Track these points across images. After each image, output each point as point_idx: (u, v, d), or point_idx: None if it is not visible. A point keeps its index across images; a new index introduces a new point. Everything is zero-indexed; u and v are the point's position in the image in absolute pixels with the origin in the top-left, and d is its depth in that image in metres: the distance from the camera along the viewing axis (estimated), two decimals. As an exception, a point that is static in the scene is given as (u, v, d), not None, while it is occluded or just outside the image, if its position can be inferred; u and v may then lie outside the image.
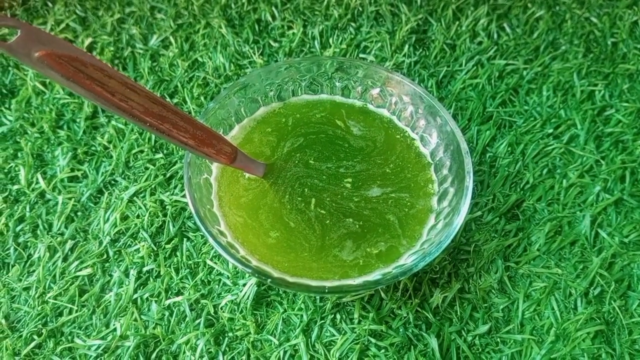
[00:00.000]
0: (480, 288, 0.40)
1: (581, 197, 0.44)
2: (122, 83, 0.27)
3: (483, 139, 0.47)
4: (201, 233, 0.42)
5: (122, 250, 0.41)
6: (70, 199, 0.44)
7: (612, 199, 0.44)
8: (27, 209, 0.44)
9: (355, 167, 0.41)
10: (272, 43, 0.54)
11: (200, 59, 0.53)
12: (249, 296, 0.39)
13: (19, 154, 0.47)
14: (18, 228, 0.43)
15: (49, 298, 0.40)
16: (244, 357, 0.37)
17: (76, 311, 0.39)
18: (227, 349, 0.38)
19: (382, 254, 0.37)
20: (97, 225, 0.43)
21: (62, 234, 0.42)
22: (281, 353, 0.37)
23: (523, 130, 0.48)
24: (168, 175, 0.45)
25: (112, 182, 0.45)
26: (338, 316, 0.39)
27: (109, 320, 0.39)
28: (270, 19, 0.56)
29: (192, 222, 0.43)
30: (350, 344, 0.38)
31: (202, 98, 0.50)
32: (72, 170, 0.46)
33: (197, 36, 0.55)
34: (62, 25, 0.55)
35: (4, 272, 0.41)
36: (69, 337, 0.38)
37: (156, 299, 0.39)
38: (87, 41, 0.54)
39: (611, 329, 0.38)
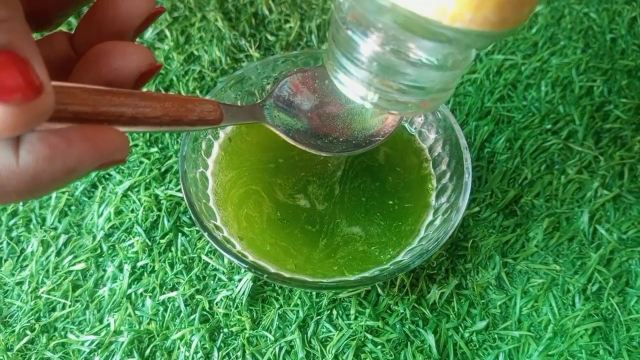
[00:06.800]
0: (477, 284, 0.40)
1: (579, 193, 0.44)
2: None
3: (481, 135, 0.47)
4: (196, 228, 0.42)
5: (116, 245, 0.41)
6: (64, 192, 0.43)
7: (611, 195, 0.44)
8: (20, 202, 0.43)
9: (349, 162, 0.40)
10: (268, 37, 0.54)
11: (196, 52, 0.52)
12: (244, 292, 0.39)
13: (12, 148, 0.46)
14: (11, 222, 0.42)
15: (42, 293, 0.39)
16: (239, 353, 0.37)
17: (69, 306, 0.39)
18: (222, 345, 0.37)
19: (378, 249, 0.37)
20: (90, 220, 0.42)
21: (55, 229, 0.42)
22: (277, 349, 0.37)
23: (521, 125, 0.48)
24: (163, 169, 0.45)
25: (106, 176, 0.45)
26: (334, 312, 0.38)
27: (103, 315, 0.38)
28: (267, 12, 0.56)
29: (188, 216, 0.42)
30: (346, 340, 0.37)
31: (197, 92, 0.49)
32: (66, 164, 0.45)
33: (193, 29, 0.54)
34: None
35: (-3, 267, 0.41)
36: (62, 333, 0.38)
37: (150, 294, 0.39)
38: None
39: (609, 325, 0.38)
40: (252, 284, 0.39)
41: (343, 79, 0.25)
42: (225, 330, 0.38)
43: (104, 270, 0.40)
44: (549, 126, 0.48)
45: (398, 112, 0.26)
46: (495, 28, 0.20)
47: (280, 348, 0.37)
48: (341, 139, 0.34)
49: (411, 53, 0.22)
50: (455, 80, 0.25)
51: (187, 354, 0.37)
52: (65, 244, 0.41)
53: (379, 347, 0.37)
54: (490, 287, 0.40)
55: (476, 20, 0.19)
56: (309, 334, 0.38)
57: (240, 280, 0.39)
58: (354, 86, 0.25)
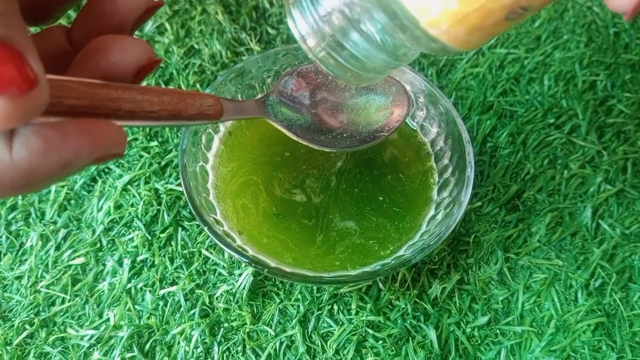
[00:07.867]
0: (479, 279, 0.39)
1: (582, 188, 0.44)
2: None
3: (483, 129, 0.47)
4: (197, 222, 0.41)
5: (116, 239, 0.41)
6: (63, 186, 0.43)
7: (614, 190, 0.43)
8: (20, 196, 0.43)
9: (349, 154, 0.40)
10: (269, 30, 0.53)
11: (196, 45, 0.52)
12: (245, 286, 0.38)
13: (11, 141, 0.46)
14: (10, 216, 0.42)
15: (42, 287, 0.39)
16: (239, 348, 0.37)
17: (69, 301, 0.38)
18: (223, 340, 0.37)
19: (376, 244, 0.36)
20: (90, 214, 0.42)
21: (54, 223, 0.42)
22: (277, 344, 0.37)
23: (524, 120, 0.47)
24: (163, 163, 0.44)
25: (106, 170, 0.44)
26: (335, 307, 0.38)
27: (102, 310, 0.38)
28: (267, 5, 0.55)
29: (188, 211, 0.42)
30: (347, 335, 0.37)
31: (198, 85, 0.49)
32: (65, 157, 0.45)
33: (193, 22, 0.54)
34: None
35: (-4, 261, 0.40)
36: (62, 327, 0.38)
37: (150, 288, 0.39)
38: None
39: (612, 321, 0.38)
40: (252, 278, 0.39)
41: (299, 22, 0.24)
42: (226, 325, 0.38)
43: (104, 265, 0.40)
44: (551, 120, 0.47)
45: (332, 75, 0.25)
46: (457, 46, 0.21)
47: (281, 343, 0.37)
48: (345, 135, 0.34)
49: (373, 29, 0.22)
50: (392, 69, 0.25)
51: (187, 348, 0.37)
52: (64, 238, 0.41)
53: (380, 342, 0.37)
54: (492, 282, 0.40)
55: (448, 34, 0.20)
56: (309, 329, 0.37)
57: (240, 274, 0.39)
58: (307, 33, 0.24)
